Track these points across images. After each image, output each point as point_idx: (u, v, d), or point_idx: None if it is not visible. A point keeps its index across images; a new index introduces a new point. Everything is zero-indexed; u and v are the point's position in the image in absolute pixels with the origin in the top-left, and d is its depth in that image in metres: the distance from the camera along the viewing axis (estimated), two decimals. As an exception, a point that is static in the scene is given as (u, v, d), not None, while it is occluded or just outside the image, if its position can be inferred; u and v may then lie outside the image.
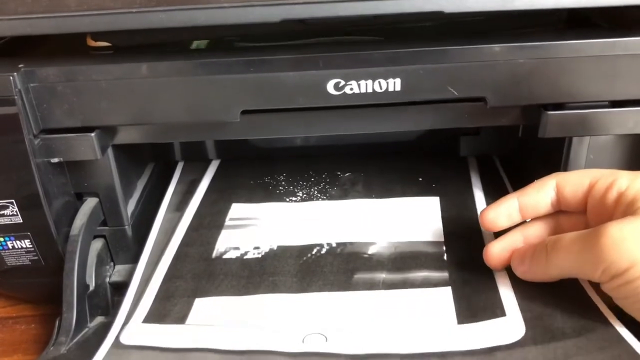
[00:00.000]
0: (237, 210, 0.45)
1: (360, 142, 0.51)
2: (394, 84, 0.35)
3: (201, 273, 0.39)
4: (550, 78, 0.35)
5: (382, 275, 0.37)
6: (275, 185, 0.48)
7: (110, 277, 0.42)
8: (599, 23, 0.39)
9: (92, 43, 0.38)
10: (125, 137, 0.39)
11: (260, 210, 0.45)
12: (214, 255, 0.41)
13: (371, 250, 0.40)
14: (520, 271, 0.35)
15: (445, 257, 0.38)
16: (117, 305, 0.40)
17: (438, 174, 0.48)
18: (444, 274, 0.37)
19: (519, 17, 0.38)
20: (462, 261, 0.38)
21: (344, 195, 0.46)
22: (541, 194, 0.35)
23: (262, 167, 0.50)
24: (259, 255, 0.40)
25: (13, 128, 0.35)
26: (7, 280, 0.41)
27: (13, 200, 0.37)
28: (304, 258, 0.39)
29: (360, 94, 0.35)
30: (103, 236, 0.42)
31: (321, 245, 0.40)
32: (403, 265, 0.38)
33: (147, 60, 0.35)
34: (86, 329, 0.38)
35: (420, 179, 0.47)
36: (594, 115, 0.36)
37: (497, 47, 0.34)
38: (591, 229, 0.31)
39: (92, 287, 0.39)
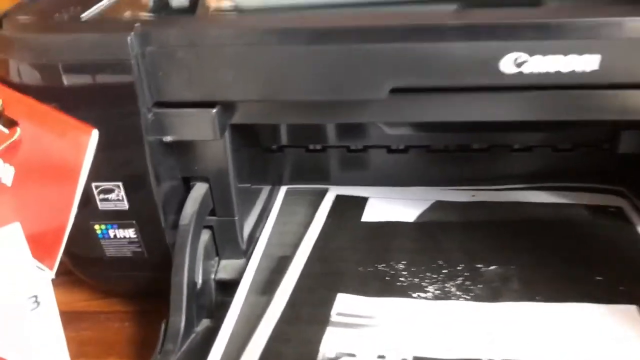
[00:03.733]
0: (345, 303, 0.35)
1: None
2: (590, 62, 0.28)
3: None
4: None
5: None
6: (394, 275, 0.38)
7: (216, 273, 0.37)
8: None
9: (213, 2, 0.33)
10: (246, 116, 0.33)
11: (377, 305, 0.35)
12: None
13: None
14: None
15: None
16: (221, 307, 0.35)
17: (627, 268, 0.36)
18: None
19: None
20: None
21: (494, 295, 0.35)
22: None
23: (373, 252, 0.40)
24: None
25: (127, 99, 0.30)
26: (102, 272, 0.37)
27: (120, 184, 0.32)
28: None
29: (542, 73, 0.28)
30: (210, 227, 0.37)
31: None
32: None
33: (281, 24, 0.30)
34: (193, 334, 0.33)
35: (601, 278, 0.36)
36: None
37: None
38: None
39: (199, 285, 0.35)
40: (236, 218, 0.37)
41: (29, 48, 0.30)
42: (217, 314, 0.35)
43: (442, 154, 0.45)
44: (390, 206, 0.45)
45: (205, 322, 0.35)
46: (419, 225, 0.42)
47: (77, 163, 0.26)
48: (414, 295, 0.36)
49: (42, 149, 0.28)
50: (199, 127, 0.32)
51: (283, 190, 0.48)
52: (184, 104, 0.31)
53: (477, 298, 0.35)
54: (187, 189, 0.36)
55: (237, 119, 0.33)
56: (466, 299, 0.35)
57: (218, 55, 0.30)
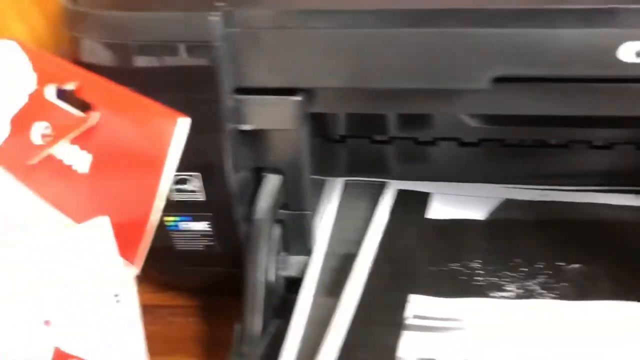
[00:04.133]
0: (420, 304, 0.33)
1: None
2: None
3: None
4: None
5: None
6: (469, 274, 0.36)
7: (284, 270, 0.35)
8: None
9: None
10: (328, 104, 0.31)
11: (455, 307, 0.33)
12: None
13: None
14: None
15: None
16: (290, 306, 0.33)
17: None
18: None
19: None
20: None
21: (582, 293, 0.33)
22: None
23: (443, 250, 0.38)
24: None
25: (207, 84, 0.28)
26: (170, 264, 0.35)
27: (197, 174, 0.30)
28: None
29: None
30: (280, 221, 0.35)
31: None
32: None
33: (377, 5, 0.27)
34: (267, 335, 0.31)
35: None
36: None
37: None
38: None
39: (272, 282, 0.33)
40: (308, 212, 0.35)
41: (104, 25, 0.28)
42: (287, 313, 0.34)
43: (514, 149, 0.43)
44: (456, 203, 0.43)
45: (276, 322, 0.33)
46: (490, 224, 0.40)
47: (162, 152, 0.24)
48: (494, 294, 0.34)
49: (122, 135, 0.26)
50: (280, 115, 0.29)
51: (340, 182, 0.46)
52: (264, 90, 0.29)
53: (563, 296, 0.33)
54: (258, 180, 0.34)
55: (317, 107, 0.31)
56: (552, 297, 0.33)
57: (307, 39, 0.27)
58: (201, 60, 0.27)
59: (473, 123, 0.39)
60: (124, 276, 0.24)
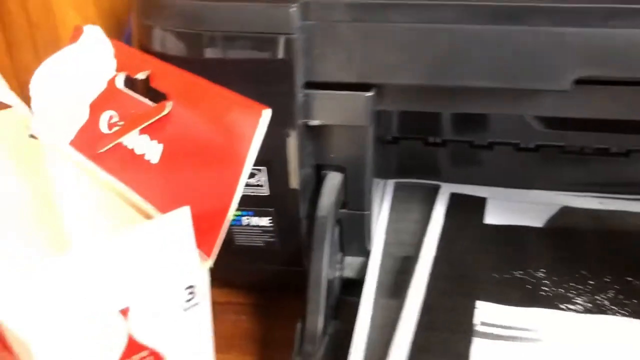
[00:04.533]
0: (488, 311, 0.32)
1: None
2: None
3: None
4: None
5: None
6: (535, 283, 0.34)
7: (340, 270, 0.35)
8: None
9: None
10: (398, 102, 0.30)
11: (525, 317, 0.32)
12: None
13: None
14: None
15: None
16: (345, 307, 0.33)
17: None
18: None
19: None
20: None
21: None
22: None
23: (505, 257, 0.37)
24: None
25: (284, 77, 0.27)
26: (225, 261, 0.34)
27: (265, 168, 0.30)
28: None
29: None
30: (338, 220, 0.35)
31: None
32: None
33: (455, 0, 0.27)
34: (327, 336, 0.31)
35: None
36: None
37: None
38: None
39: (331, 282, 0.32)
40: (367, 212, 0.34)
41: (179, 14, 0.28)
42: (343, 314, 0.33)
43: (572, 155, 0.41)
44: (513, 209, 0.42)
45: (334, 323, 0.32)
46: (550, 232, 0.39)
47: (244, 144, 0.23)
48: (563, 307, 0.32)
49: (196, 126, 0.25)
50: (351, 111, 0.29)
51: (391, 184, 0.45)
52: (333, 85, 0.29)
53: (635, 314, 0.32)
54: (317, 178, 0.34)
55: (386, 104, 0.30)
56: (623, 315, 0.32)
57: (384, 33, 0.27)
58: (277, 53, 0.27)
59: (538, 126, 0.38)
60: (198, 269, 0.23)
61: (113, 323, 0.21)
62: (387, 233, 0.39)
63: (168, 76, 0.27)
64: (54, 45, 0.44)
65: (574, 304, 0.33)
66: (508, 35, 0.26)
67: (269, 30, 0.27)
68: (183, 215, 0.22)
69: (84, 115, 0.27)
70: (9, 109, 0.33)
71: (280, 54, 0.27)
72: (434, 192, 0.43)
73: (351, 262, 0.36)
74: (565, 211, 0.42)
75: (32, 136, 0.34)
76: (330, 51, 0.28)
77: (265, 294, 0.37)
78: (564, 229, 0.39)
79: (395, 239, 0.39)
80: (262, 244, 0.32)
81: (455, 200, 0.43)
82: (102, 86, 0.27)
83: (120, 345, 0.22)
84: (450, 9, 0.26)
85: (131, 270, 0.21)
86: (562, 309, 0.32)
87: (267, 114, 0.23)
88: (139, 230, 0.21)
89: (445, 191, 0.43)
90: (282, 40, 0.27)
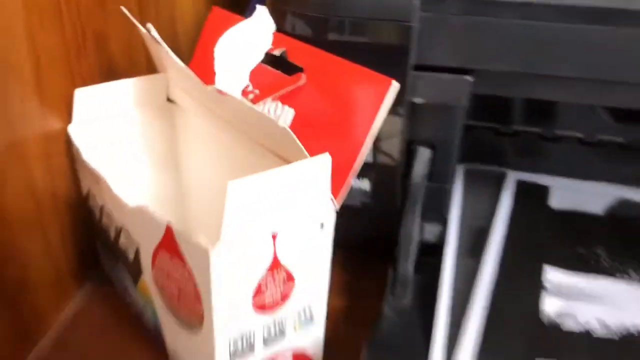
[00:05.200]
0: (555, 275, 0.38)
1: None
2: None
3: (533, 337, 0.33)
4: None
5: None
6: (597, 259, 0.39)
7: (421, 235, 0.40)
8: None
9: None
10: (493, 86, 0.35)
11: (588, 281, 0.37)
12: (545, 320, 0.34)
13: None
14: None
15: None
16: (424, 266, 0.37)
17: None
18: None
19: None
20: None
21: None
22: None
23: (569, 237, 0.41)
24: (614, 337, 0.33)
25: (399, 60, 0.32)
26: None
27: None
28: None
29: None
30: (422, 190, 0.39)
31: None
32: None
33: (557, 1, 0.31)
34: (409, 288, 0.36)
35: None
36: None
37: None
38: None
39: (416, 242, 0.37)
40: (449, 185, 0.39)
41: (310, 1, 0.33)
42: (424, 272, 0.38)
43: (633, 151, 0.45)
44: (575, 197, 0.46)
45: (416, 278, 0.37)
46: (609, 219, 0.43)
47: (372, 112, 0.28)
48: (619, 275, 0.37)
49: (328, 95, 0.30)
50: (453, 92, 0.34)
51: (460, 168, 0.50)
52: (440, 68, 0.34)
53: None
54: (408, 152, 0.38)
55: (482, 88, 0.35)
56: None
57: (489, 26, 0.31)
58: (398, 39, 0.32)
59: (608, 119, 0.42)
60: (330, 210, 0.28)
61: (266, 244, 0.27)
62: (462, 207, 0.44)
63: (303, 52, 0.32)
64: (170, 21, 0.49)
65: (630, 274, 0.37)
66: (598, 34, 0.31)
67: (392, 17, 0.32)
68: (325, 161, 0.27)
69: (243, 82, 0.32)
70: (154, 75, 0.39)
71: (399, 40, 0.32)
72: (501, 178, 0.48)
73: (430, 229, 0.40)
74: (623, 202, 0.46)
75: (169, 100, 0.40)
76: (440, 39, 0.32)
77: (353, 251, 0.42)
78: (622, 219, 0.43)
79: (470, 213, 0.43)
80: (358, 204, 0.37)
81: (522, 187, 0.47)
82: (260, 58, 0.32)
83: (267, 262, 0.27)
84: (548, 8, 0.31)
85: (282, 202, 0.26)
86: (620, 278, 0.36)
87: (395, 86, 0.28)
88: (289, 168, 0.26)
89: (512, 178, 0.48)
90: (402, 28, 0.31)
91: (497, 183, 0.48)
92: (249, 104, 0.28)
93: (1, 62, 0.30)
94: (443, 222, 0.40)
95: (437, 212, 0.40)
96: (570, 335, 0.33)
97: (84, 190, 0.37)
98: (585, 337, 0.33)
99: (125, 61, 0.41)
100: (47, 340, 0.36)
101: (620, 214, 0.44)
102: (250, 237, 0.26)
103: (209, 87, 0.30)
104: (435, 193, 0.39)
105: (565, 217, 0.44)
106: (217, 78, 0.31)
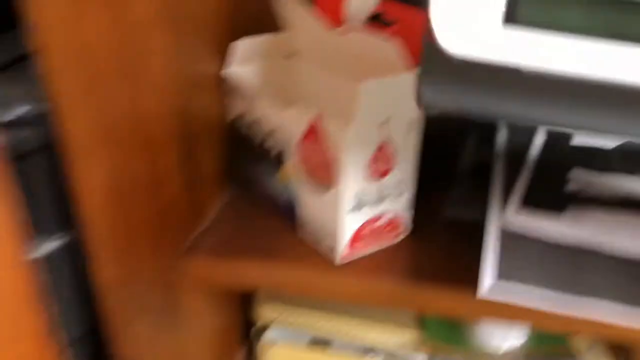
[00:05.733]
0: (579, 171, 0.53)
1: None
2: None
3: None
4: None
5: None
6: (610, 166, 0.54)
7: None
8: None
9: None
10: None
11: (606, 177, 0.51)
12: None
13: None
14: None
15: None
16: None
17: None
18: None
19: None
20: None
21: None
22: None
23: (586, 157, 0.55)
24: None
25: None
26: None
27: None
28: None
29: None
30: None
31: None
32: None
33: None
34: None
35: None
36: None
37: None
38: None
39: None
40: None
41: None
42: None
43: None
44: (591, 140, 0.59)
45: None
46: (620, 151, 0.57)
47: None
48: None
49: (413, 38, 0.44)
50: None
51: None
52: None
53: None
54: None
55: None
56: None
57: None
58: None
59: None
60: (416, 115, 0.42)
61: (376, 132, 0.41)
62: (507, 138, 0.57)
63: (395, 10, 0.46)
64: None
65: None
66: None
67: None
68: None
69: (359, 25, 0.47)
70: (274, 34, 0.53)
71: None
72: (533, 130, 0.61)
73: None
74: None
75: (286, 57, 0.53)
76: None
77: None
78: (629, 150, 0.57)
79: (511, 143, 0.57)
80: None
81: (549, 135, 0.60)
82: (368, 14, 0.47)
83: (376, 143, 0.41)
84: None
85: (393, 99, 0.40)
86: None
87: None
88: (404, 74, 0.40)
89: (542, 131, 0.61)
90: None
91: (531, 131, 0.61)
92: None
93: (194, 25, 0.45)
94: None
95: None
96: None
97: (233, 115, 0.51)
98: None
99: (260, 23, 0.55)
100: (207, 222, 0.51)
101: (627, 148, 0.57)
102: (372, 121, 0.40)
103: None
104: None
105: (584, 149, 0.57)
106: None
